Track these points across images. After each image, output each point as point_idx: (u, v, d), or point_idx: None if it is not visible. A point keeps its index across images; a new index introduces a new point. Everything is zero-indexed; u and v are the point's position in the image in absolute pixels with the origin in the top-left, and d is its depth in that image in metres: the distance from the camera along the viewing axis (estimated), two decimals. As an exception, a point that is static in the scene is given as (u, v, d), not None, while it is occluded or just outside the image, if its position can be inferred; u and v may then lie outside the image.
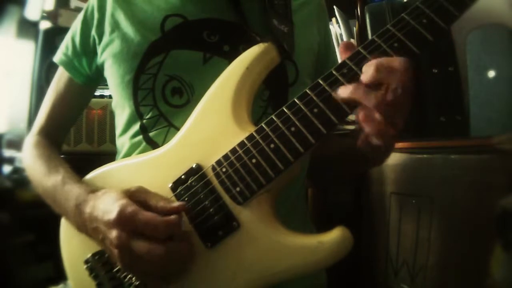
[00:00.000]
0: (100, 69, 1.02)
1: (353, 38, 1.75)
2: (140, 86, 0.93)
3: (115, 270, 0.82)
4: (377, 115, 0.66)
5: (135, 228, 0.70)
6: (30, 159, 1.01)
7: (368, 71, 0.68)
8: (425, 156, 1.23)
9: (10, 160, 1.93)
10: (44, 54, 1.81)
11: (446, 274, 1.15)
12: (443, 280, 1.16)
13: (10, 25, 2.10)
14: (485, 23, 1.32)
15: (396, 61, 0.68)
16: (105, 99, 1.72)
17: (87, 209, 0.79)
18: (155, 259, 0.70)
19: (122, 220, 0.71)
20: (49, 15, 1.97)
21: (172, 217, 0.71)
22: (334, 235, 0.71)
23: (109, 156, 1.05)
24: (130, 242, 0.70)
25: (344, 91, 0.70)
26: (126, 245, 0.71)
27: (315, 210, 1.50)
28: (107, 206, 0.75)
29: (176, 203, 0.74)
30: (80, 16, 1.04)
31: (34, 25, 2.01)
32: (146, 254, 0.70)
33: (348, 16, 1.82)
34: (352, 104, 0.70)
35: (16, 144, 1.94)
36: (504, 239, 1.05)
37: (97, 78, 1.07)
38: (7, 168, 1.94)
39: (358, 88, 0.68)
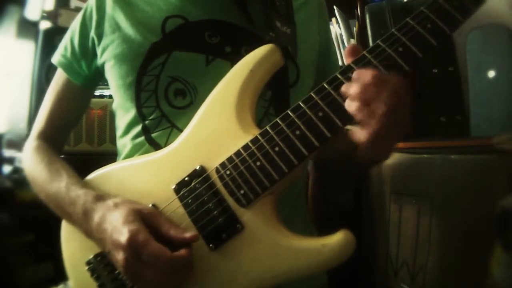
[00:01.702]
0: (100, 71, 1.01)
1: (353, 38, 1.75)
2: (143, 88, 0.93)
3: (117, 271, 0.82)
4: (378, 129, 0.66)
5: (142, 257, 0.71)
6: (31, 165, 1.00)
7: (356, 90, 0.68)
8: (425, 156, 1.23)
9: (10, 160, 1.92)
10: (44, 54, 1.81)
11: (446, 274, 1.15)
12: (443, 280, 1.16)
13: (10, 25, 2.10)
14: (485, 23, 1.32)
15: (386, 81, 0.67)
16: (105, 99, 1.72)
17: (95, 219, 0.80)
18: (158, 286, 0.72)
19: (131, 246, 0.71)
20: (49, 15, 1.96)
21: (182, 253, 0.72)
22: (338, 238, 0.71)
23: (109, 156, 1.05)
24: (136, 267, 0.72)
25: (348, 107, 0.69)
26: (132, 269, 0.72)
27: (315, 210, 1.50)
28: (117, 224, 0.75)
29: (188, 234, 0.74)
30: (79, 17, 1.04)
31: (34, 25, 2.00)
32: (150, 281, 0.72)
33: (348, 16, 1.82)
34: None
35: (16, 144, 1.94)
36: (504, 239, 1.05)
37: (96, 79, 1.06)
38: (7, 168, 1.94)
39: (361, 109, 0.67)
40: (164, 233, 0.74)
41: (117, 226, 0.74)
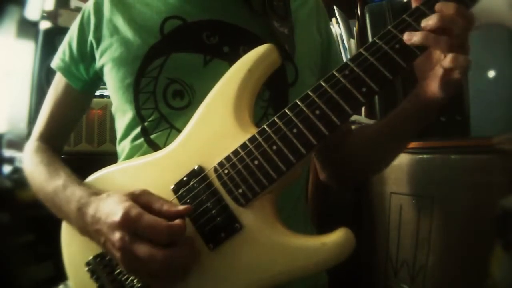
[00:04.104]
0: (98, 74, 1.01)
1: (353, 38, 1.75)
2: (141, 90, 0.93)
3: (116, 272, 0.82)
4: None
5: (138, 231, 0.70)
6: (30, 165, 1.00)
7: (433, 19, 0.71)
8: (425, 156, 1.23)
9: (10, 160, 1.93)
10: (44, 54, 1.80)
11: (446, 274, 1.15)
12: (443, 280, 1.16)
13: (10, 25, 2.10)
14: (485, 23, 1.32)
15: (459, 10, 0.71)
16: (105, 99, 1.72)
17: (90, 211, 0.79)
18: (157, 263, 0.70)
19: (126, 223, 0.71)
20: (49, 15, 1.97)
21: (176, 222, 0.71)
22: (337, 236, 0.71)
23: (109, 156, 1.05)
24: (133, 244, 0.70)
25: (415, 38, 0.71)
26: (129, 247, 0.71)
27: (315, 210, 1.50)
28: (111, 208, 0.74)
29: (181, 207, 0.75)
30: (77, 21, 1.03)
31: (34, 25, 2.01)
32: (148, 258, 0.70)
33: (348, 16, 1.82)
34: (421, 49, 0.72)
35: (16, 144, 1.94)
36: (504, 239, 1.05)
37: (95, 83, 1.07)
38: (7, 168, 1.94)
39: (428, 35, 0.70)
40: (157, 209, 0.74)
41: (111, 210, 0.74)
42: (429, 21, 0.71)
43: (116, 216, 0.72)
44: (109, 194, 0.79)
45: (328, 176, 1.12)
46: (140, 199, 0.75)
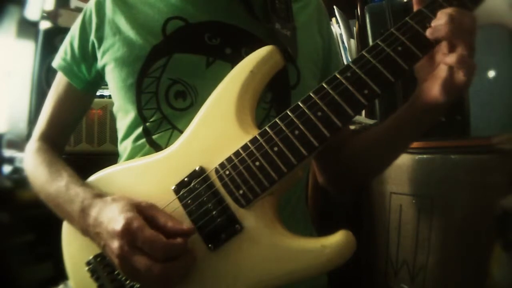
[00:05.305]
0: (100, 74, 1.01)
1: (353, 38, 1.75)
2: (143, 90, 0.93)
3: (116, 272, 0.82)
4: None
5: (137, 243, 0.71)
6: (32, 165, 1.00)
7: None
8: (425, 156, 1.23)
9: (10, 160, 1.92)
10: (44, 54, 1.80)
11: (446, 274, 1.16)
12: (443, 280, 1.16)
13: (10, 25, 2.10)
14: (485, 23, 1.32)
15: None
16: (105, 99, 1.72)
17: (93, 213, 0.80)
18: (154, 276, 0.70)
19: (126, 233, 0.71)
20: (49, 15, 1.97)
21: (177, 240, 0.71)
22: (337, 239, 0.71)
23: (110, 156, 1.05)
24: (131, 255, 0.71)
25: (437, 33, 0.71)
26: (127, 257, 0.71)
27: (315, 210, 1.50)
28: (113, 214, 0.75)
29: (185, 227, 0.74)
30: (78, 21, 1.03)
31: (34, 25, 2.01)
32: (145, 270, 0.70)
33: (348, 16, 1.82)
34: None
35: (16, 144, 1.94)
36: (504, 239, 1.05)
37: (97, 83, 1.06)
38: (7, 168, 1.94)
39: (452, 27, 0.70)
40: (161, 224, 0.74)
41: (114, 217, 0.74)
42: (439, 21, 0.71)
43: (118, 224, 0.72)
44: (114, 198, 0.80)
45: (327, 179, 1.12)
46: (146, 212, 0.75)
